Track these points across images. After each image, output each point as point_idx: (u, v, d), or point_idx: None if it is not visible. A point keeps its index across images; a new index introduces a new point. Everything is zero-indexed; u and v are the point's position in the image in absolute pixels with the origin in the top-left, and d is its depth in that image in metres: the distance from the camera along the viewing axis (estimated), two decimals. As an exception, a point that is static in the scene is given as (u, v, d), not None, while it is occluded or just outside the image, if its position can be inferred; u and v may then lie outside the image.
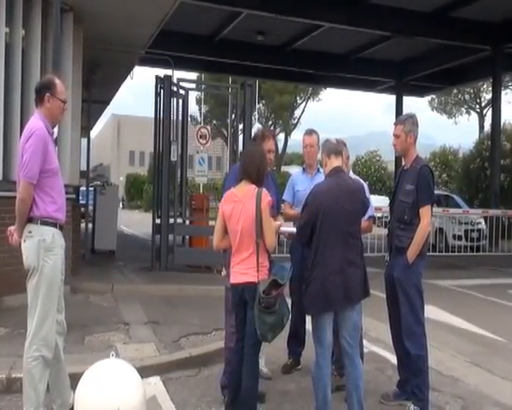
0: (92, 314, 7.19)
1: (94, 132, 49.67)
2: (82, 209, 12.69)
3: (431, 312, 7.13)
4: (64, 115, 4.30)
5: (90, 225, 13.31)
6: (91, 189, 14.80)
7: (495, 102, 19.47)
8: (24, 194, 3.86)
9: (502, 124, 20.49)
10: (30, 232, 3.92)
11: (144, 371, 4.59)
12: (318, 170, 5.45)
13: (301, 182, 5.47)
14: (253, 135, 4.95)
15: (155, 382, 5.05)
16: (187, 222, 12.04)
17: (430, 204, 4.60)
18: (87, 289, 8.65)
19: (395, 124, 4.76)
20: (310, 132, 5.50)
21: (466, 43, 17.75)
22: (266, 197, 4.01)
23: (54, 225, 3.97)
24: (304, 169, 5.60)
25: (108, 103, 18.07)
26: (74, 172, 8.99)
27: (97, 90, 13.57)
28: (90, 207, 13.82)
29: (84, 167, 13.57)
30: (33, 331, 3.91)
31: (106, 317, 7.08)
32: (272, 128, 44.15)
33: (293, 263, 4.58)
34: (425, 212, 4.52)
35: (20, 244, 3.98)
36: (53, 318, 3.97)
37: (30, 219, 3.92)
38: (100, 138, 64.55)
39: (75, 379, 3.74)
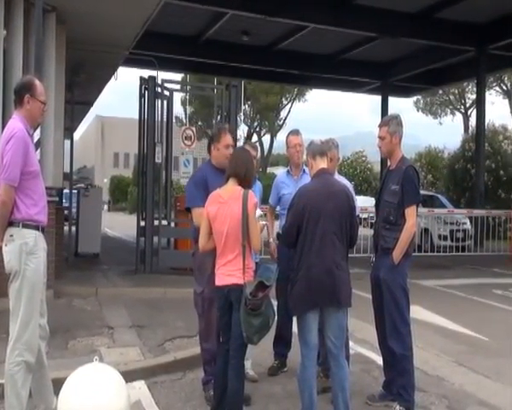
0: (76, 318, 7.14)
1: (77, 134, 49.24)
2: (65, 212, 12.60)
3: (416, 312, 7.18)
4: (44, 117, 4.27)
5: (74, 228, 13.22)
6: (75, 191, 14.70)
7: (479, 103, 19.67)
8: (5, 197, 3.83)
9: (486, 124, 20.70)
10: (11, 236, 3.88)
11: (129, 376, 4.57)
12: (304, 171, 5.39)
13: (286, 185, 5.42)
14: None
15: (140, 386, 5.03)
16: (172, 224, 12.00)
17: (415, 204, 4.63)
18: (70, 292, 8.59)
19: (379, 126, 4.79)
20: (296, 132, 5.46)
21: (451, 44, 17.91)
22: (252, 199, 4.02)
23: (36, 227, 3.94)
24: (288, 171, 5.53)
25: (92, 104, 17.96)
26: (57, 174, 8.93)
27: (81, 91, 13.48)
28: (74, 210, 13.73)
29: (67, 169, 13.46)
30: (16, 336, 3.87)
31: (89, 321, 7.04)
32: (258, 129, 44.25)
33: (280, 264, 4.59)
34: (410, 212, 4.55)
35: (1, 248, 3.95)
36: (36, 322, 3.94)
37: (11, 223, 3.88)
38: (83, 140, 64.18)
39: (58, 384, 3.71)
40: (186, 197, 4.72)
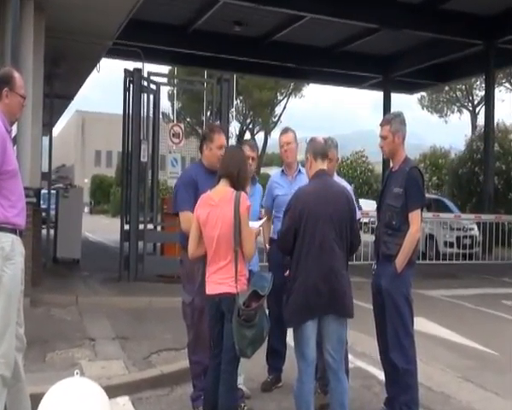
0: (54, 329, 7.12)
1: (56, 130, 49.11)
2: (43, 214, 12.56)
3: (420, 324, 7.19)
4: (23, 112, 4.26)
5: (52, 232, 13.18)
6: (53, 192, 14.66)
7: (488, 100, 19.78)
8: (-20, 198, 3.81)
9: (495, 123, 20.81)
10: (-14, 240, 3.87)
11: (112, 391, 4.56)
12: (299, 171, 5.43)
13: (280, 186, 5.45)
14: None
15: (124, 402, 5.02)
16: (158, 228, 11.99)
17: (420, 208, 4.66)
18: (48, 301, 8.56)
19: (381, 124, 4.81)
20: (285, 130, 5.57)
21: (457, 38, 18.02)
22: (245, 201, 4.02)
23: (13, 231, 3.93)
24: (283, 171, 5.57)
25: (72, 99, 17.95)
26: (35, 173, 8.92)
27: (60, 84, 13.46)
28: (52, 212, 13.68)
29: (45, 168, 13.44)
30: (-10, 348, 3.85)
31: (69, 332, 7.01)
32: (251, 126, 44.28)
33: (272, 270, 4.61)
34: (414, 217, 4.58)
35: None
36: (12, 333, 3.92)
37: (-14, 226, 3.87)
38: (63, 137, 63.93)
39: (36, 400, 3.69)
40: (174, 200, 4.73)
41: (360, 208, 5.63)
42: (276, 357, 5.51)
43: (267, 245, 5.43)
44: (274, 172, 5.86)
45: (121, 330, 7.16)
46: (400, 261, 4.54)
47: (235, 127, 41.24)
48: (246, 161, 4.29)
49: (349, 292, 4.12)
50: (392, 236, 4.61)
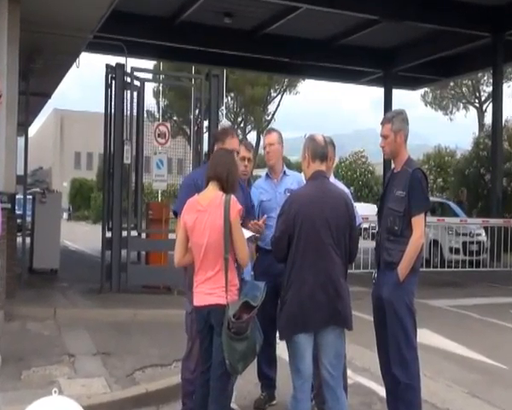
0: (30, 344, 7.09)
1: (33, 130, 48.88)
2: (18, 221, 12.51)
3: (424, 336, 7.23)
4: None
5: (28, 240, 13.13)
6: (29, 197, 14.61)
7: (496, 97, 19.86)
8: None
9: (504, 120, 20.90)
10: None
11: (93, 411, 4.56)
12: (285, 173, 5.48)
13: (265, 191, 5.47)
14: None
15: (106, 423, 5.02)
16: (143, 235, 11.97)
17: (424, 213, 4.68)
18: (24, 314, 8.53)
19: (382, 123, 4.84)
20: (269, 131, 5.68)
21: (463, 30, 18.11)
22: (236, 205, 4.04)
23: (-15, 239, 3.92)
24: (267, 175, 5.60)
25: (50, 96, 17.90)
26: (9, 176, 8.88)
27: (37, 80, 13.43)
28: (28, 219, 13.63)
29: (20, 171, 13.39)
30: (-39, 365, 3.84)
31: (47, 347, 6.99)
32: (242, 125, 44.33)
33: (257, 280, 4.63)
34: (418, 221, 4.60)
35: None
36: (-16, 349, 3.91)
37: (-43, 233, 3.86)
38: (40, 137, 63.78)
39: (11, 421, 3.69)
40: (176, 201, 4.79)
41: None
42: (267, 371, 5.51)
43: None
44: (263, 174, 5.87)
45: (103, 346, 7.14)
46: (403, 269, 4.56)
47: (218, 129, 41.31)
48: (235, 162, 4.32)
49: (348, 302, 4.13)
50: (394, 242, 4.63)
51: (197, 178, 4.68)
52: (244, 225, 4.34)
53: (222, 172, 4.13)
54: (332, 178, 5.13)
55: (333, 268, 4.08)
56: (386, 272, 4.65)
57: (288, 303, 4.07)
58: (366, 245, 12.20)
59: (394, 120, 4.77)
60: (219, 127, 10.94)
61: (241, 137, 44.02)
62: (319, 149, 4.35)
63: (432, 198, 21.00)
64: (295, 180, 5.40)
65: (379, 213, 4.91)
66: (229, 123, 42.52)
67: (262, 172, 6.20)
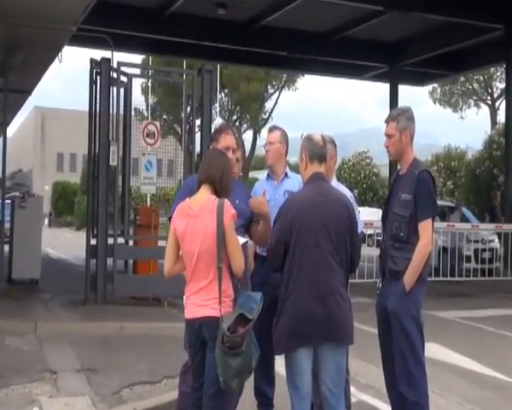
0: (9, 361, 7.07)
1: (12, 130, 48.77)
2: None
3: (432, 350, 7.23)
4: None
5: (7, 248, 13.11)
6: (8, 201, 14.58)
7: (509, 93, 19.91)
8: None
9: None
10: None
11: (76, 432, 4.56)
12: (286, 174, 5.48)
13: (265, 192, 5.49)
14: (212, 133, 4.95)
15: (91, 444, 5.02)
16: (130, 243, 11.96)
17: (431, 218, 4.70)
18: (3, 328, 8.52)
19: (387, 121, 4.86)
20: (271, 128, 5.62)
21: (473, 21, 18.15)
22: (229, 210, 4.03)
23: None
24: (268, 175, 5.62)
25: (30, 93, 17.87)
26: (-14, 180, 8.89)
27: (16, 76, 13.42)
28: (7, 225, 13.62)
29: (-2, 174, 13.37)
30: None
31: (27, 364, 6.97)
32: (238, 124, 44.33)
33: (255, 290, 4.63)
34: (425, 227, 4.62)
35: None
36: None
37: None
38: (19, 137, 63.75)
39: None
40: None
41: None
42: (264, 393, 5.51)
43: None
44: (263, 176, 5.88)
45: (87, 361, 7.13)
46: (409, 278, 4.57)
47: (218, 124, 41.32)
48: (229, 163, 4.33)
49: (349, 315, 4.14)
50: (400, 249, 4.65)
51: (194, 181, 4.68)
52: (249, 230, 4.35)
53: (214, 174, 4.14)
54: (334, 181, 5.14)
55: (332, 278, 4.09)
56: (392, 281, 4.67)
57: (285, 316, 4.08)
58: (371, 253, 12.21)
59: (400, 117, 4.79)
60: (213, 126, 10.95)
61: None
62: (317, 149, 4.36)
63: (441, 202, 21.05)
64: (297, 183, 5.38)
65: (383, 219, 4.93)
66: (224, 121, 42.52)
67: (260, 175, 6.21)
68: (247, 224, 4.59)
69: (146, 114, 22.49)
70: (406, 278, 4.58)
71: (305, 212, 4.14)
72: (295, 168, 5.16)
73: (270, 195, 5.30)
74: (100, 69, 10.93)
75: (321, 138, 4.47)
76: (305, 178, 4.36)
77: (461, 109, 42.42)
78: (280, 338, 4.11)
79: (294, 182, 5.41)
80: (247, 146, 45.14)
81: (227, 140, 4.72)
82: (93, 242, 10.95)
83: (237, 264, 4.07)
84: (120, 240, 11.16)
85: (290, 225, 4.12)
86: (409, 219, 4.62)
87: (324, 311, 4.03)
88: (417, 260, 4.58)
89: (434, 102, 42.61)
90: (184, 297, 4.15)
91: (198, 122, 12.08)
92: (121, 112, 11.30)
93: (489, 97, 40.05)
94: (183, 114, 12.95)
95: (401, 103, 22.28)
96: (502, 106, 35.70)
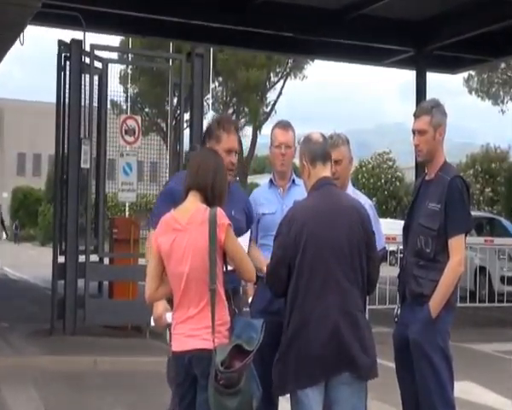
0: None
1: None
2: None
3: (465, 389, 7.24)
4: None
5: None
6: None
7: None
8: None
9: None
10: None
11: None
12: (294, 181, 5.42)
13: (267, 201, 5.41)
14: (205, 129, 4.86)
15: None
16: (105, 261, 11.97)
17: (464, 233, 4.73)
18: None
19: (417, 115, 4.88)
20: (284, 126, 5.46)
21: (516, -4, 18.21)
22: (223, 219, 4.02)
23: None
24: (271, 181, 5.53)
25: (-14, 82, 17.93)
26: None
27: (-31, 61, 13.48)
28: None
29: None
30: None
31: (-19, 406, 7.01)
32: (234, 119, 44.32)
33: (255, 315, 4.65)
34: (457, 244, 4.65)
35: None
36: None
37: None
38: (-28, 134, 63.79)
39: None
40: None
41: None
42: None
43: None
44: (264, 182, 5.85)
45: (54, 404, 7.16)
46: (436, 303, 4.58)
47: (212, 120, 41.27)
48: (223, 165, 4.31)
49: (369, 342, 4.15)
50: (425, 268, 4.66)
51: (176, 184, 4.62)
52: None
53: (205, 178, 4.13)
54: (350, 188, 5.16)
55: (345, 302, 4.11)
56: (414, 306, 4.69)
57: (289, 348, 4.09)
58: (393, 273, 12.20)
59: (434, 111, 4.81)
60: (204, 122, 10.97)
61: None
62: (317, 148, 4.37)
63: (477, 213, 21.05)
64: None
65: (405, 231, 4.94)
66: (227, 114, 42.49)
67: (260, 180, 6.21)
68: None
69: (125, 107, 22.57)
70: (433, 302, 4.57)
71: (312, 225, 4.15)
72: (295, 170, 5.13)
73: (275, 206, 5.29)
74: (69, 53, 10.96)
75: (320, 135, 4.48)
76: (310, 186, 4.36)
77: (502, 102, 42.33)
78: (283, 377, 4.12)
79: (303, 190, 5.36)
80: (246, 144, 45.13)
81: (231, 141, 4.66)
82: (61, 259, 10.95)
83: (249, 274, 4.12)
84: (94, 258, 11.18)
85: (294, 241, 4.13)
86: (437, 232, 4.64)
87: (337, 341, 4.05)
88: (447, 281, 4.59)
89: (470, 93, 42.54)
90: (171, 326, 4.17)
91: (187, 117, 12.12)
92: (95, 104, 11.34)
93: (536, 87, 40.08)
94: (168, 107, 12.94)
95: (430, 94, 22.29)
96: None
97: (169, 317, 4.29)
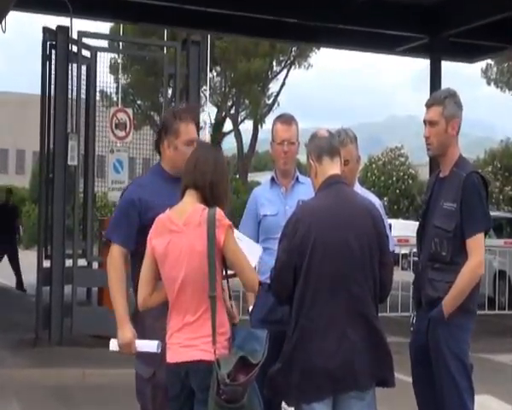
0: None
1: None
2: None
3: (484, 403, 7.23)
4: None
5: None
6: None
7: None
8: None
9: None
10: None
11: None
12: (297, 179, 5.43)
13: (269, 202, 5.42)
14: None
15: None
16: (94, 265, 11.98)
17: (483, 232, 4.73)
18: None
19: (429, 105, 4.88)
20: (286, 120, 5.46)
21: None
22: (223, 220, 4.01)
23: None
24: (273, 179, 5.53)
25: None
26: None
27: None
28: None
29: None
30: None
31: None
32: (233, 112, 44.28)
33: (255, 325, 4.65)
34: (476, 244, 4.65)
35: None
36: None
37: None
38: (-50, 129, 63.79)
39: None
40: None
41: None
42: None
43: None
44: (266, 179, 5.84)
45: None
46: (449, 301, 4.58)
47: (209, 113, 41.23)
48: (223, 162, 4.30)
49: (384, 348, 4.15)
50: (442, 270, 4.67)
51: (147, 188, 4.58)
52: None
53: (203, 178, 4.12)
54: (358, 187, 5.16)
55: (356, 308, 4.11)
56: (430, 312, 4.68)
57: (294, 359, 4.09)
58: (406, 278, 12.21)
59: (447, 102, 4.80)
60: (202, 115, 10.98)
61: (231, 128, 43.96)
62: (322, 143, 4.38)
63: (497, 213, 21.04)
64: (311, 190, 5.30)
65: (419, 233, 4.94)
66: (215, 108, 42.57)
67: (262, 178, 6.20)
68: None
69: (115, 99, 22.54)
70: (446, 301, 4.57)
71: (320, 226, 4.15)
72: (305, 169, 5.13)
73: (278, 206, 5.27)
74: (55, 41, 10.95)
75: (325, 130, 4.48)
76: (318, 185, 4.36)
77: (523, 93, 42.41)
78: (287, 390, 4.12)
79: (308, 188, 5.28)
80: (246, 140, 45.13)
81: (190, 131, 4.62)
82: (46, 264, 10.95)
83: (251, 283, 4.11)
84: (82, 262, 11.18)
85: (300, 244, 4.13)
86: (453, 233, 4.64)
87: (349, 350, 4.05)
88: (463, 281, 4.58)
89: (489, 84, 42.55)
90: (166, 336, 4.17)
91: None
92: (83, 96, 11.34)
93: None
94: (162, 99, 12.91)
95: (445, 84, 22.27)
96: None
97: (139, 344, 4.30)
